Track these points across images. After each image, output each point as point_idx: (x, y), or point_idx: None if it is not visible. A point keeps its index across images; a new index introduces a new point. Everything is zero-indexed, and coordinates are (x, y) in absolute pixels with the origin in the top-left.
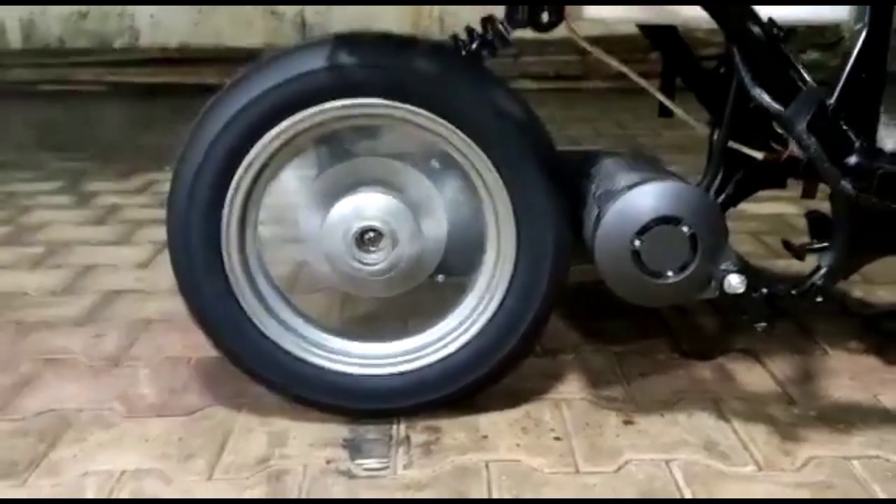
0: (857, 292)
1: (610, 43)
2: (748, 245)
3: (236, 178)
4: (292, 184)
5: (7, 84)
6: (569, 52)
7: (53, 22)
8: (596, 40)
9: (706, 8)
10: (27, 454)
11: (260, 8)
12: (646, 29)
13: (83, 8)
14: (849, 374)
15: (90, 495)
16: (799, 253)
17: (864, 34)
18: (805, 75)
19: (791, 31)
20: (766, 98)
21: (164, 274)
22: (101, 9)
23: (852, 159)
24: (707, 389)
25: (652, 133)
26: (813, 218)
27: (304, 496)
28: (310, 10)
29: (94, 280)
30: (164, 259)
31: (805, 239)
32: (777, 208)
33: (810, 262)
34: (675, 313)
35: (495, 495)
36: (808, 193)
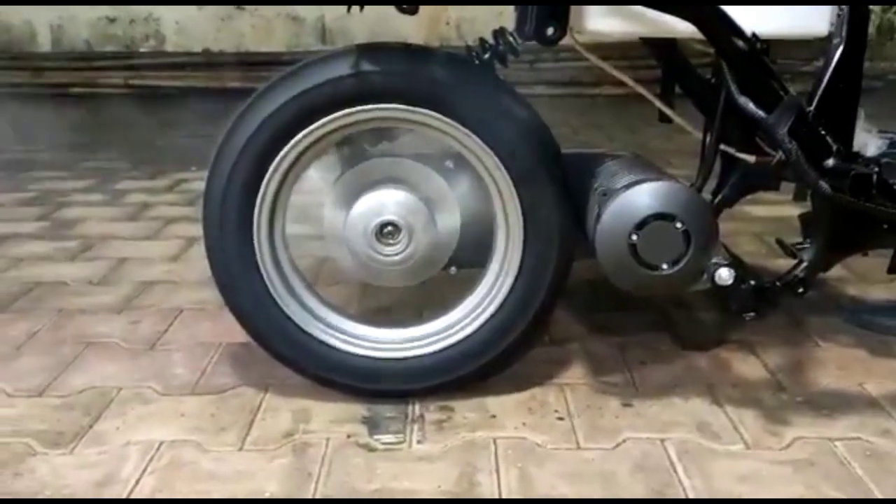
0: (852, 290)
1: (625, 48)
2: (751, 245)
3: (267, 176)
4: (317, 183)
5: (38, 87)
6: (583, 59)
7: (82, 26)
8: (613, 46)
9: (696, 25)
10: (73, 426)
11: (281, 14)
12: (646, 41)
13: (111, 13)
14: (837, 365)
15: (133, 462)
16: (791, 252)
17: (841, 47)
18: (785, 85)
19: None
20: (750, 106)
21: (193, 267)
22: (128, 14)
23: (829, 162)
24: (703, 377)
25: (662, 138)
26: (806, 219)
27: (326, 465)
28: (330, 16)
29: (128, 272)
30: (193, 253)
31: (798, 239)
32: (779, 211)
33: None
34: (675, 308)
35: (502, 468)
36: (800, 196)
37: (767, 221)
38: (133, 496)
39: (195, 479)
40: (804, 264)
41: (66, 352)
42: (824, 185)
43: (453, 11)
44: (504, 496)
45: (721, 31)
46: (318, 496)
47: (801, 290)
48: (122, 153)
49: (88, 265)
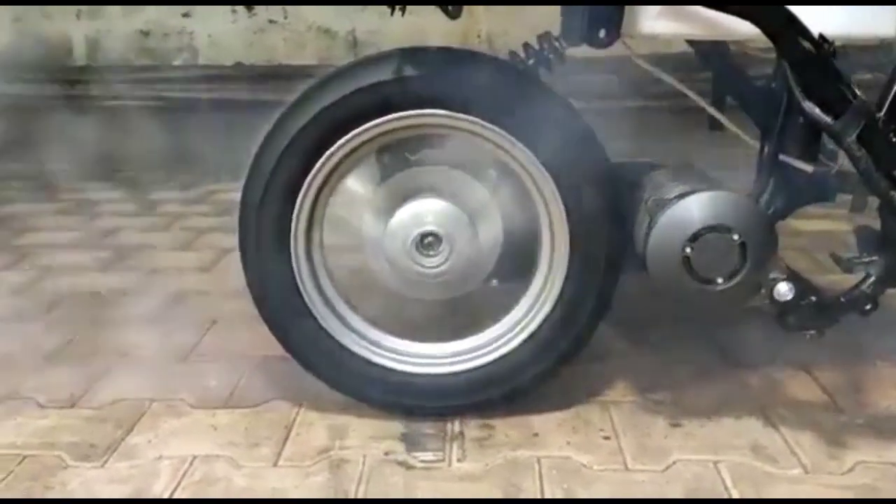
0: None
1: (660, 60)
2: (798, 261)
3: (305, 184)
4: (356, 192)
5: (73, 99)
6: (615, 71)
7: (117, 40)
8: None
9: (758, 25)
10: (105, 439)
11: (313, 27)
12: (697, 47)
13: (145, 27)
14: None
15: (165, 478)
16: (848, 267)
17: None
18: (855, 89)
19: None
20: (816, 111)
21: (226, 277)
22: (162, 28)
23: None
24: (755, 397)
25: (701, 150)
26: (861, 232)
27: (363, 484)
28: (361, 30)
29: (162, 282)
30: (226, 263)
31: (854, 253)
32: (827, 225)
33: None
34: (723, 324)
35: (546, 489)
36: (857, 207)
37: (813, 236)
38: None
39: (228, 495)
40: (871, 279)
41: (99, 362)
42: None
43: (485, 25)
44: None
45: (785, 31)
46: None
47: (868, 306)
48: (155, 164)
49: (122, 275)
